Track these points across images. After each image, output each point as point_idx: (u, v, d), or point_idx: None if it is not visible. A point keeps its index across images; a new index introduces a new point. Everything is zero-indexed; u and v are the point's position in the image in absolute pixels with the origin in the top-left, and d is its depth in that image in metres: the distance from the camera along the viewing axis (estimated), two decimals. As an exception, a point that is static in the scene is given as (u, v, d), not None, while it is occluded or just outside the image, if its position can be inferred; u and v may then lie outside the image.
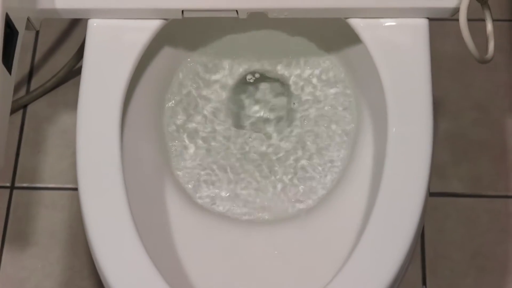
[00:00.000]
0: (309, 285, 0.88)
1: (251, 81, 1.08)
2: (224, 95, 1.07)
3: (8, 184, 1.29)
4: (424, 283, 1.21)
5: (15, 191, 1.29)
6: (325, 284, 0.83)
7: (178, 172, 1.03)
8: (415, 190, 0.86)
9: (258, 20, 0.96)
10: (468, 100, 1.32)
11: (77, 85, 1.32)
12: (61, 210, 1.27)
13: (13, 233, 1.26)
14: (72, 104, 1.32)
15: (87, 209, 0.87)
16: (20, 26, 0.88)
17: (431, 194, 0.88)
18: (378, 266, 0.83)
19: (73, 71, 1.34)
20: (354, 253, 0.83)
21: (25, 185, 1.29)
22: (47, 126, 1.33)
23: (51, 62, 1.38)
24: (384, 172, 0.86)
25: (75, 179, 1.26)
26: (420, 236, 1.20)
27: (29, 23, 0.91)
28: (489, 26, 0.93)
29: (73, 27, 1.41)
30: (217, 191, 1.01)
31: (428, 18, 0.93)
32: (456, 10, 0.92)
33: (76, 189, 1.25)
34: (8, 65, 0.85)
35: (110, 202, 0.87)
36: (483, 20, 0.92)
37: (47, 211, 1.27)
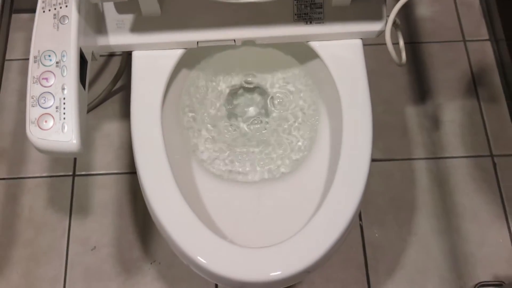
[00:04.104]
0: (297, 218, 0.88)
1: (242, 87, 1.06)
2: (221, 98, 1.05)
3: (70, 173, 1.28)
4: (360, 219, 1.23)
5: (76, 178, 1.27)
6: (306, 219, 0.84)
7: (197, 152, 1.00)
8: (364, 157, 0.87)
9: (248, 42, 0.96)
10: (378, 97, 1.35)
11: (115, 103, 1.34)
12: (109, 188, 1.26)
13: (77, 207, 1.25)
14: (112, 116, 1.33)
15: (144, 178, 0.86)
16: (88, 57, 0.87)
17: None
18: (346, 204, 0.84)
19: (110, 93, 1.33)
20: (328, 196, 0.84)
21: (83, 173, 1.28)
22: (94, 132, 1.31)
23: (94, 88, 1.36)
24: (342, 144, 0.87)
25: (118, 167, 1.27)
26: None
27: (93, 55, 0.90)
28: (401, 42, 0.95)
29: (107, 63, 1.39)
30: (224, 163, 1.00)
31: (361, 38, 0.95)
32: (380, 33, 0.94)
33: (119, 173, 1.26)
34: (83, 83, 0.84)
35: (159, 172, 0.86)
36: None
37: (100, 190, 1.26)
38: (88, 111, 1.32)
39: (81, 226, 1.22)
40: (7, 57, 1.38)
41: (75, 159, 1.28)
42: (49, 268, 1.19)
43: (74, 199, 1.25)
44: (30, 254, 1.20)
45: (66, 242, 1.21)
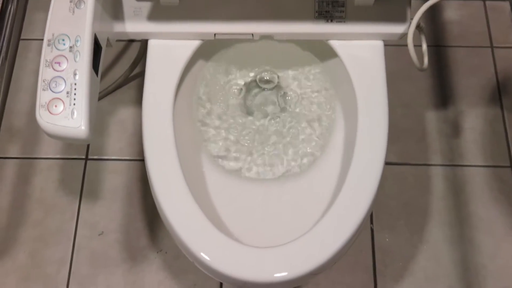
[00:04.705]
0: (305, 219, 0.87)
1: (258, 82, 1.04)
2: (236, 92, 1.03)
3: (83, 157, 1.27)
4: (371, 223, 1.21)
5: (88, 162, 1.26)
6: (315, 221, 0.82)
7: (208, 146, 0.98)
8: (377, 159, 0.85)
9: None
10: (398, 100, 1.31)
11: (131, 89, 1.33)
12: (120, 174, 1.25)
13: (87, 191, 1.24)
14: (127, 102, 1.32)
15: (152, 170, 0.85)
16: (103, 43, 0.86)
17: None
18: (356, 206, 0.82)
19: (127, 79, 1.32)
20: (339, 198, 0.82)
21: (95, 157, 1.27)
22: (109, 117, 1.30)
23: (112, 73, 1.35)
24: (356, 145, 0.85)
25: (130, 153, 1.26)
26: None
27: (108, 41, 0.89)
28: (424, 46, 0.92)
29: (126, 49, 1.38)
30: (235, 158, 0.98)
31: (383, 40, 0.92)
32: (403, 35, 0.91)
33: (131, 160, 1.26)
34: (96, 70, 0.83)
35: (167, 164, 0.85)
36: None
37: (111, 175, 1.25)
38: (104, 96, 1.31)
39: (90, 211, 1.22)
40: (27, 37, 1.38)
41: (88, 143, 1.27)
42: (56, 250, 1.18)
43: (85, 183, 1.24)
44: (38, 235, 1.20)
45: (74, 225, 1.21)
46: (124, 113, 1.30)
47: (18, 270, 1.17)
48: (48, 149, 1.27)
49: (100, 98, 1.31)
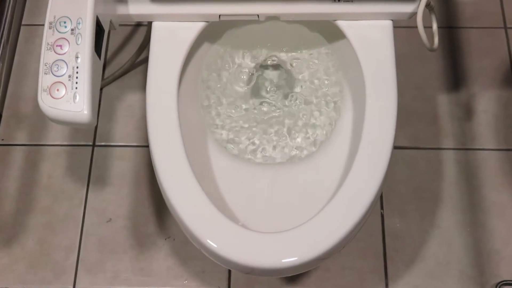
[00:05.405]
0: (313, 204, 0.85)
1: (265, 64, 1.01)
2: (242, 74, 1.01)
3: (90, 143, 1.26)
4: (382, 208, 1.19)
5: (96, 148, 1.25)
6: (322, 205, 0.80)
7: (214, 130, 0.97)
8: (386, 143, 0.83)
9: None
10: (409, 82, 1.29)
11: (138, 74, 1.32)
12: (128, 160, 1.24)
13: (95, 177, 1.23)
14: (135, 87, 1.30)
15: (156, 155, 0.84)
16: (105, 26, 0.84)
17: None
18: (364, 191, 0.80)
19: (134, 64, 1.31)
20: (346, 182, 0.80)
21: (102, 143, 1.26)
22: (116, 102, 1.29)
23: (119, 58, 1.34)
24: (363, 128, 0.83)
25: (138, 139, 1.25)
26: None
27: (111, 24, 0.87)
28: (434, 26, 0.89)
29: (133, 33, 1.36)
30: (241, 142, 0.96)
31: (392, 20, 0.89)
32: (412, 14, 0.88)
33: (138, 146, 1.24)
34: (98, 53, 0.81)
35: (172, 149, 0.83)
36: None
37: (118, 161, 1.24)
38: (112, 82, 1.30)
39: (98, 197, 1.21)
40: (33, 22, 1.37)
41: (96, 128, 1.26)
42: (64, 237, 1.18)
43: (92, 169, 1.23)
44: (46, 222, 1.19)
45: (82, 212, 1.20)
46: (132, 99, 1.29)
47: (27, 257, 1.16)
48: (56, 136, 1.26)
49: (107, 84, 1.30)
